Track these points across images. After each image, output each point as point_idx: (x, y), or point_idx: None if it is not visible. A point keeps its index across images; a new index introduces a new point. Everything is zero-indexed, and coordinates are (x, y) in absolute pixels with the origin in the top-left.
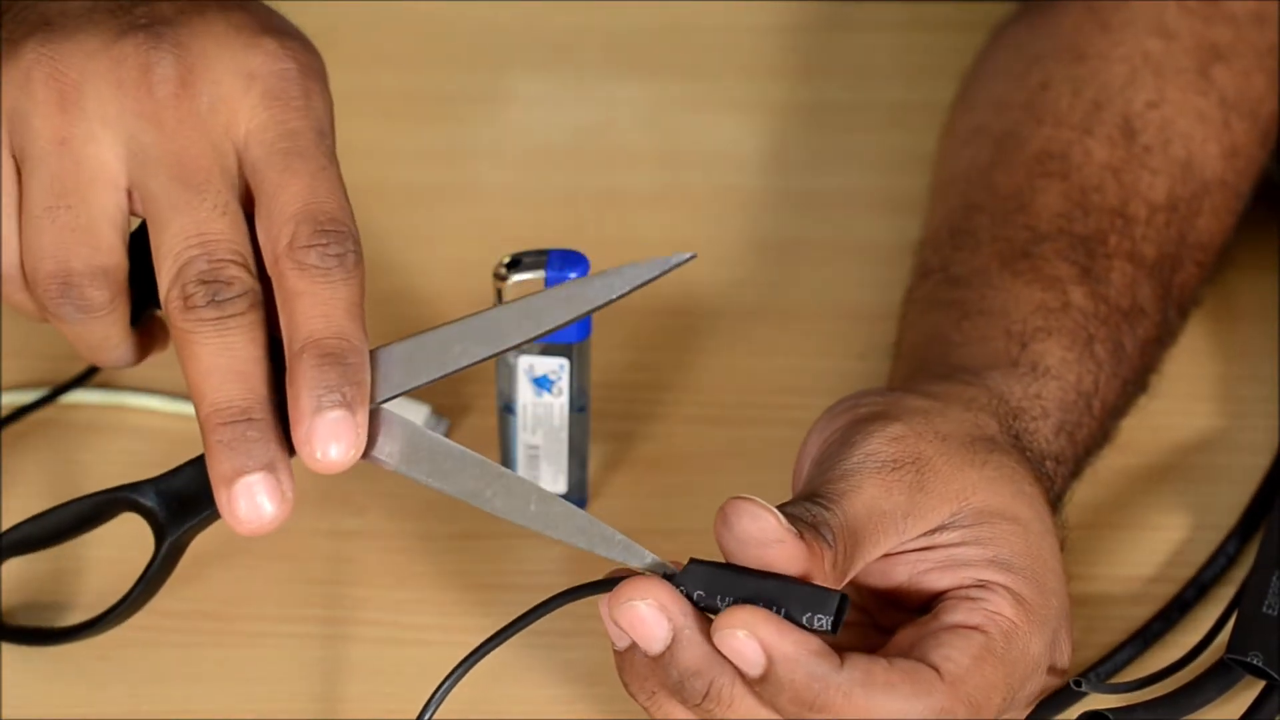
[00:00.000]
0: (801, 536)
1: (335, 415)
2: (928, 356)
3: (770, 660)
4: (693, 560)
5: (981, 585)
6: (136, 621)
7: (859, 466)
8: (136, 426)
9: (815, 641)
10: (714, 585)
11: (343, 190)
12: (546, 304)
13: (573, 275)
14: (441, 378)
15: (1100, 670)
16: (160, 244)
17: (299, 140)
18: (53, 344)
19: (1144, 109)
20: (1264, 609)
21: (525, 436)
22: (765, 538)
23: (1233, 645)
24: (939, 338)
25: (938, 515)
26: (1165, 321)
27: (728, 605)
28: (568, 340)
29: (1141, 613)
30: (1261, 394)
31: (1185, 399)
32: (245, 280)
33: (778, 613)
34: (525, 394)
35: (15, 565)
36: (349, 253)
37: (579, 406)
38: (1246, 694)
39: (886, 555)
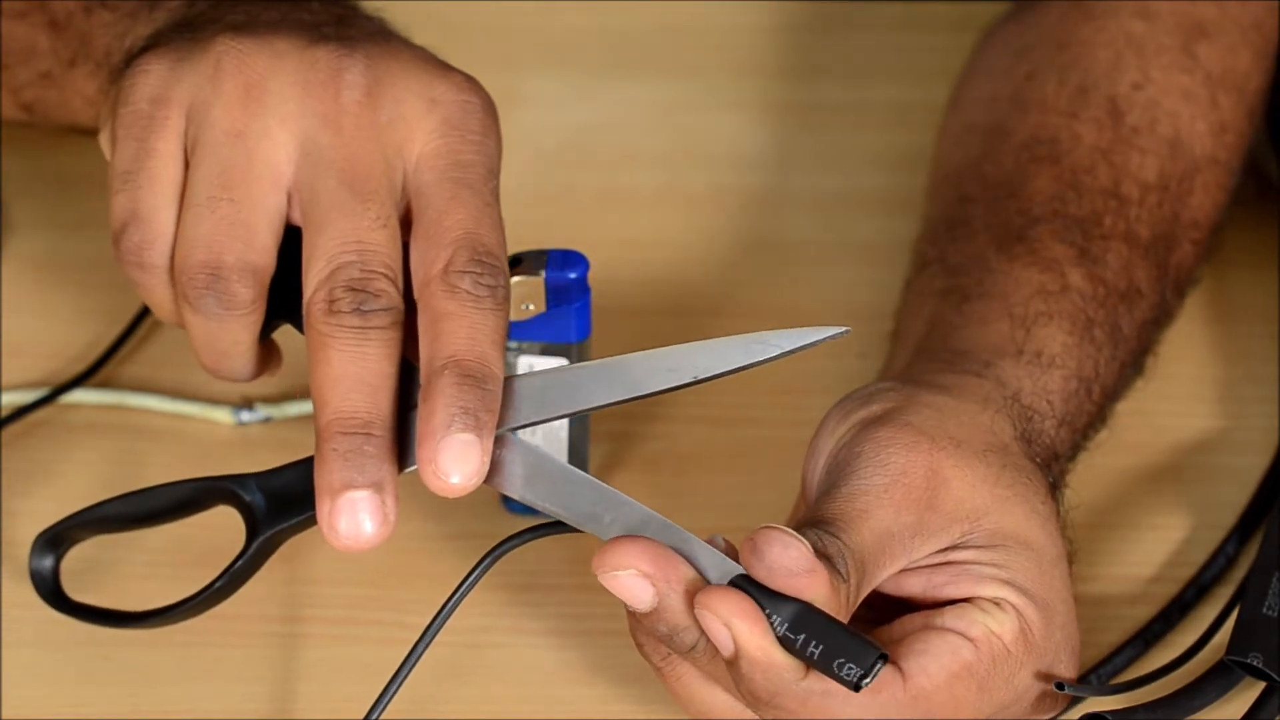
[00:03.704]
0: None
1: (465, 438)
2: (929, 341)
3: (738, 654)
4: (743, 575)
5: (996, 602)
6: None
7: (869, 485)
8: (136, 426)
9: (782, 652)
10: (765, 600)
11: (503, 231)
12: (688, 357)
13: (572, 275)
14: (570, 415)
15: (1101, 672)
16: (316, 244)
17: (470, 172)
18: (53, 344)
19: (1129, 90)
20: (1264, 610)
21: (525, 436)
22: (796, 567)
23: (1233, 647)
24: (940, 322)
25: (948, 535)
26: (1162, 302)
27: (772, 621)
28: (568, 340)
29: (1141, 612)
30: (1261, 394)
31: (1185, 399)
32: (392, 296)
33: (813, 650)
34: None
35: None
36: (500, 287)
37: None
38: (1247, 695)
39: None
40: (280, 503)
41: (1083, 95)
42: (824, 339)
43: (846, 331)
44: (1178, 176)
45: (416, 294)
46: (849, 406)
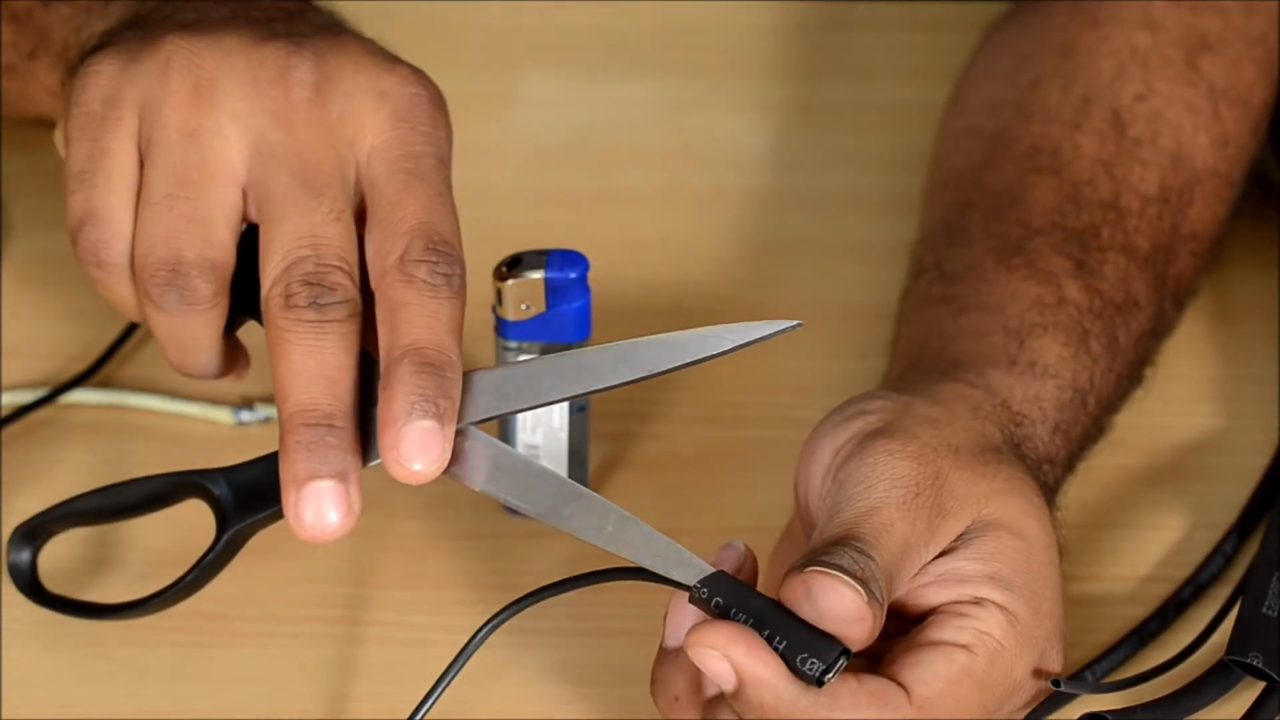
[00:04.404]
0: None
1: (426, 425)
2: (924, 351)
3: (740, 681)
4: (721, 571)
5: (976, 602)
6: (136, 622)
7: (888, 498)
8: (136, 426)
9: (783, 664)
10: (732, 597)
11: (456, 219)
12: (643, 351)
13: (572, 275)
14: (528, 409)
15: (1095, 669)
16: (271, 241)
17: (421, 163)
18: (53, 344)
19: (1133, 102)
20: (1264, 610)
21: (525, 437)
22: (849, 616)
23: (1232, 646)
24: (935, 332)
25: (953, 533)
26: (1160, 314)
27: (739, 619)
28: (568, 340)
29: (1139, 612)
30: (1261, 394)
31: (1184, 399)
32: (348, 289)
33: (778, 644)
34: None
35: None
36: (456, 275)
37: (579, 406)
38: (1246, 695)
39: None
40: (248, 497)
41: (1086, 106)
42: (776, 332)
43: (798, 325)
44: (1178, 189)
45: (374, 285)
46: (843, 416)
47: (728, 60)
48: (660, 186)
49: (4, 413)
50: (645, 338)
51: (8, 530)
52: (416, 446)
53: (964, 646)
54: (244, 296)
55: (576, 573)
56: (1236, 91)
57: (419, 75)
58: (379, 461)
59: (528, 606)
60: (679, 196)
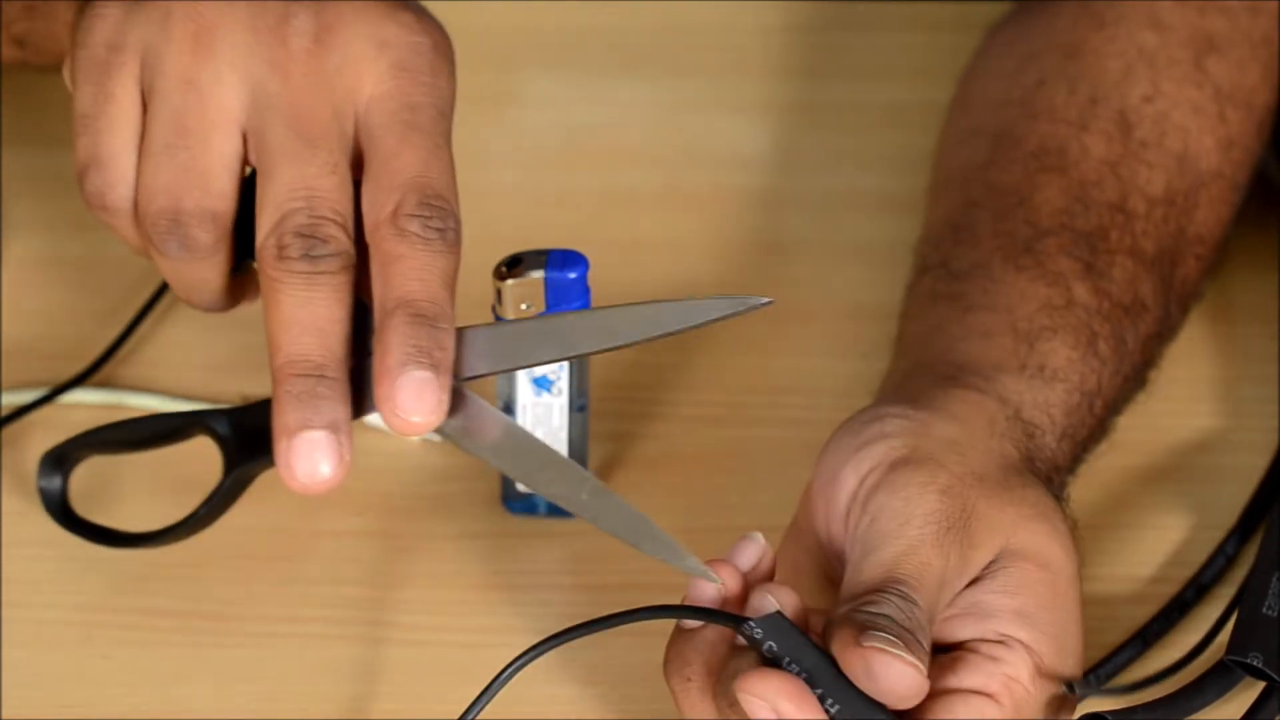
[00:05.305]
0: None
1: (422, 375)
2: (930, 350)
3: None
4: (778, 613)
5: (1002, 641)
6: (136, 622)
7: (924, 535)
8: None
9: None
10: (785, 645)
11: (453, 172)
12: (623, 320)
13: (572, 275)
14: (510, 370)
15: (1100, 672)
16: (266, 192)
17: (420, 114)
18: (53, 344)
19: (1140, 103)
20: (1264, 610)
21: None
22: (908, 694)
23: (1232, 646)
24: (941, 331)
25: (982, 563)
26: (1166, 316)
27: (791, 669)
28: None
29: (1141, 613)
30: (1261, 394)
31: (1185, 399)
32: (341, 241)
33: (830, 706)
34: (525, 394)
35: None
36: (450, 229)
37: (579, 406)
38: (1246, 695)
39: None
40: (251, 438)
41: (1093, 106)
42: (753, 307)
43: (771, 301)
44: (1184, 191)
45: (368, 238)
46: (862, 440)
47: (728, 60)
48: (660, 186)
49: (4, 413)
50: (627, 307)
51: (9, 531)
52: (413, 397)
53: (992, 696)
54: (250, 239)
55: (579, 571)
56: (1241, 93)
57: (423, 22)
58: (375, 414)
59: (563, 643)
60: (679, 196)
